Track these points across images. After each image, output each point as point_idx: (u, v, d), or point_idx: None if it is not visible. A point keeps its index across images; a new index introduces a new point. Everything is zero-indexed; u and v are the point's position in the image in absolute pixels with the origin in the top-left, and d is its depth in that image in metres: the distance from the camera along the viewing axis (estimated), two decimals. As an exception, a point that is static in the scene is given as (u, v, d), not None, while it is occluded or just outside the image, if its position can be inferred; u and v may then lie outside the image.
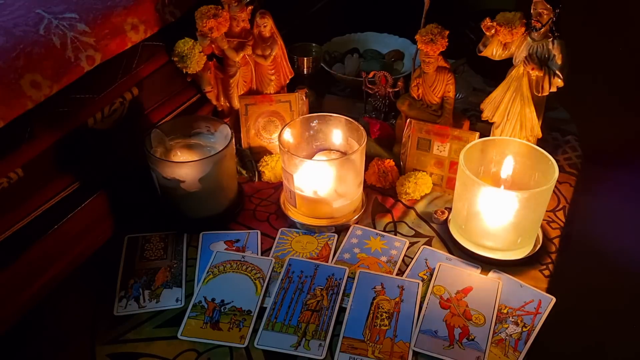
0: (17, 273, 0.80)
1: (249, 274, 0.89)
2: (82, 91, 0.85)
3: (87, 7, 0.85)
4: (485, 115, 1.01)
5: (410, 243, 0.95)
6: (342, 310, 0.84)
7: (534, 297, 0.85)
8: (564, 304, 0.85)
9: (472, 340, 0.79)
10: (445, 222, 0.98)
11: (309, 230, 0.97)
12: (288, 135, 0.98)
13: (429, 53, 0.96)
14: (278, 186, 1.06)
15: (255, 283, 0.87)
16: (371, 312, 0.83)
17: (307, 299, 0.85)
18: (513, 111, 0.97)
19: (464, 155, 0.88)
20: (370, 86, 1.16)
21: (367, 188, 1.05)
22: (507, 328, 0.81)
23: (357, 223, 0.99)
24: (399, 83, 1.14)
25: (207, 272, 0.89)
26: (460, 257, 0.92)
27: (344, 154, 1.01)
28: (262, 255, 0.93)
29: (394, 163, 1.06)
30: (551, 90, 0.93)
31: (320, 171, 0.94)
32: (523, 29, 0.91)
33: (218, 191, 0.96)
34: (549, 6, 0.88)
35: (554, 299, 0.84)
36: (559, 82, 0.91)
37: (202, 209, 0.96)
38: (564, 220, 0.99)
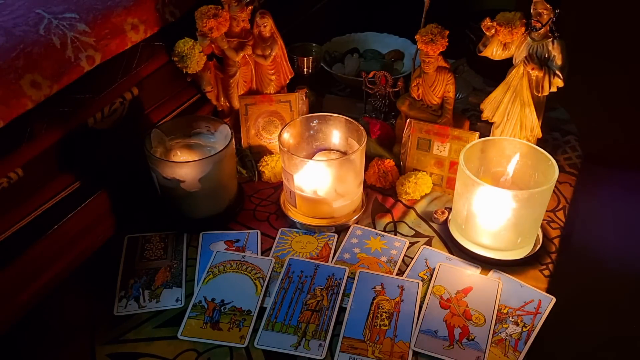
0: (17, 273, 0.80)
1: (249, 274, 0.89)
2: (82, 91, 0.85)
3: (87, 7, 0.85)
4: (485, 115, 1.01)
5: (410, 243, 0.95)
6: (342, 310, 0.84)
7: (534, 297, 0.85)
8: (564, 304, 0.85)
9: (472, 340, 0.79)
10: (445, 222, 0.98)
11: (309, 230, 0.97)
12: (288, 135, 0.98)
13: (429, 53, 0.96)
14: (278, 186, 1.06)
15: (255, 283, 0.88)
16: (371, 312, 0.83)
17: (307, 299, 0.85)
18: (513, 111, 0.97)
19: (464, 155, 0.88)
20: (370, 86, 1.16)
21: (367, 188, 1.05)
22: (507, 328, 0.81)
23: (357, 223, 0.99)
24: (399, 83, 1.14)
25: (207, 272, 0.89)
26: (460, 257, 0.92)
27: (344, 154, 1.01)
28: (262, 255, 0.93)
29: (394, 163, 1.06)
30: (551, 90, 0.93)
31: (320, 171, 0.94)
32: (523, 29, 0.91)
33: (218, 191, 0.96)
34: (549, 6, 0.88)
35: (554, 299, 0.84)
36: (559, 82, 0.91)
37: (202, 209, 0.96)
38: (564, 220, 0.99)
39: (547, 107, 0.99)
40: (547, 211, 0.98)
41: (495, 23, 0.91)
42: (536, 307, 0.84)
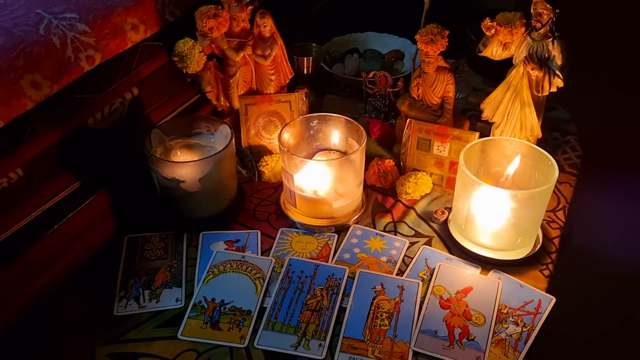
0: (17, 273, 0.80)
1: (249, 274, 0.89)
2: (82, 91, 0.85)
3: (87, 7, 0.85)
4: (485, 115, 1.01)
5: (410, 243, 0.95)
6: (342, 310, 0.84)
7: (534, 297, 0.85)
8: (564, 304, 0.85)
9: (472, 340, 0.79)
10: (445, 222, 0.98)
11: (309, 230, 0.97)
12: (288, 135, 0.98)
13: (429, 53, 0.96)
14: (278, 186, 1.06)
15: (255, 283, 0.88)
16: (371, 312, 0.83)
17: (307, 299, 0.85)
18: (513, 111, 0.97)
19: (464, 155, 0.88)
20: (370, 86, 1.16)
21: (367, 188, 1.05)
22: (507, 328, 0.81)
23: (357, 223, 0.99)
24: (399, 83, 1.14)
25: (207, 272, 0.89)
26: (460, 257, 0.92)
27: (344, 154, 1.01)
28: (262, 255, 0.93)
29: (394, 163, 1.06)
30: (551, 90, 0.93)
31: (320, 171, 0.94)
32: (523, 29, 0.91)
33: (218, 191, 0.96)
34: (549, 6, 0.88)
35: (554, 299, 0.84)
36: (559, 82, 0.91)
37: (202, 209, 0.96)
38: (564, 220, 0.99)
39: (547, 107, 0.99)
40: (547, 211, 0.98)
41: (495, 23, 0.91)
42: (536, 307, 0.84)
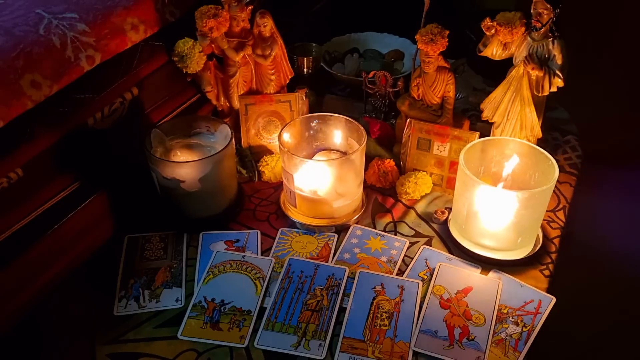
0: (17, 273, 0.80)
1: (249, 274, 0.89)
2: (82, 91, 0.85)
3: (87, 7, 0.85)
4: (485, 115, 1.01)
5: (410, 243, 0.95)
6: (342, 310, 0.84)
7: (534, 297, 0.85)
8: (564, 304, 0.85)
9: (472, 340, 0.79)
10: (445, 222, 0.98)
11: (309, 230, 0.97)
12: (288, 135, 0.98)
13: (429, 53, 0.96)
14: (278, 186, 1.06)
15: (255, 283, 0.88)
16: (371, 312, 0.83)
17: (307, 299, 0.85)
18: (513, 111, 0.97)
19: (464, 155, 0.88)
20: (370, 86, 1.16)
21: (367, 188, 1.05)
22: (507, 328, 0.81)
23: (357, 223, 0.99)
24: (399, 83, 1.14)
25: (207, 272, 0.89)
26: (460, 257, 0.92)
27: (344, 154, 1.01)
28: (262, 255, 0.93)
29: (394, 163, 1.06)
30: (551, 90, 0.93)
31: (320, 171, 0.94)
32: (523, 29, 0.91)
33: (218, 191, 0.96)
34: (549, 6, 0.88)
35: (554, 299, 0.84)
36: (559, 82, 0.91)
37: (202, 209, 0.96)
38: (564, 220, 0.99)
39: (547, 107, 0.99)
40: (547, 211, 0.98)
41: (495, 23, 0.91)
42: (536, 307, 0.84)
